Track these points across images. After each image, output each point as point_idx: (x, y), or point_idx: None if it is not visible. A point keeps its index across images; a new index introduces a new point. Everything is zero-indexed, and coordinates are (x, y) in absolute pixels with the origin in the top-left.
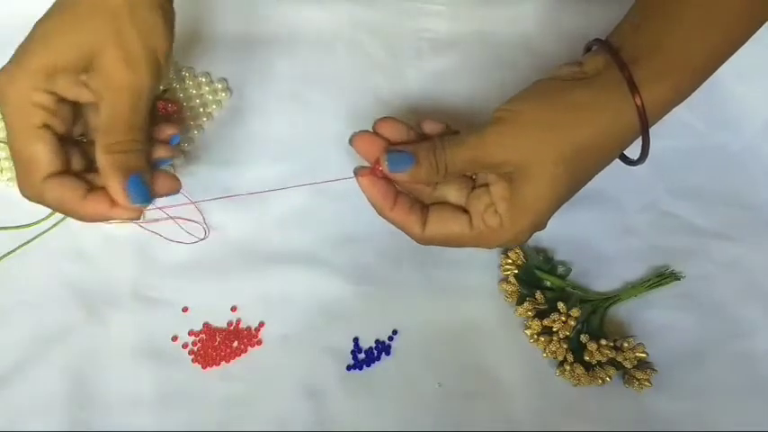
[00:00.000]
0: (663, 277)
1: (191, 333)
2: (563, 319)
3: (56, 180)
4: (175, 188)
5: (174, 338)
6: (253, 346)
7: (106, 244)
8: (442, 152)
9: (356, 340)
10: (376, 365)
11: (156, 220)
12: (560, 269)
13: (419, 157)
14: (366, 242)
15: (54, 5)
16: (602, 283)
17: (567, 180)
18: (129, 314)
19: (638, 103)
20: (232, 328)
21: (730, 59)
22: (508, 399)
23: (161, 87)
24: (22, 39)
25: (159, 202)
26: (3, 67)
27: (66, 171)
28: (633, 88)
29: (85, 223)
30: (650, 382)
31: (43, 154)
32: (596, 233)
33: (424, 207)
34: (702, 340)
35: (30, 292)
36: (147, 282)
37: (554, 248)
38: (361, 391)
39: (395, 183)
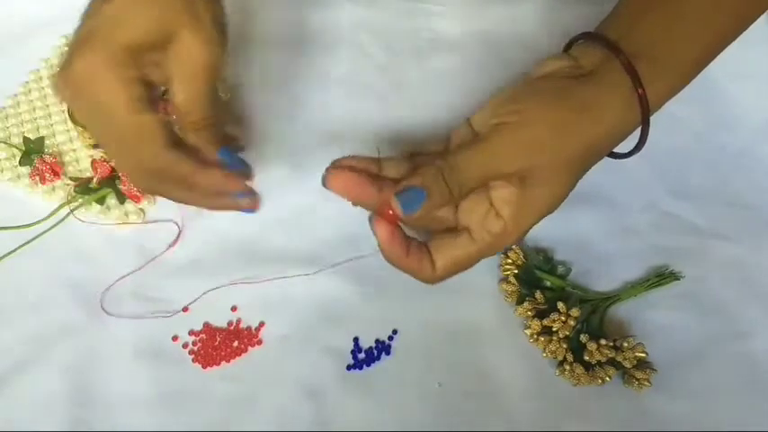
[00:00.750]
0: (663, 277)
1: (191, 333)
2: (563, 318)
3: (176, 150)
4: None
5: (175, 338)
6: (253, 345)
7: (106, 244)
8: (450, 173)
9: (356, 340)
10: (376, 365)
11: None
12: (560, 269)
13: (429, 187)
14: (366, 242)
15: None
16: (602, 283)
17: (574, 178)
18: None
19: (643, 98)
20: (232, 327)
21: (730, 60)
22: (508, 398)
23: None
24: (21, 39)
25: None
26: (77, 53)
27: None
28: (638, 84)
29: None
30: (650, 382)
31: (156, 122)
32: (596, 233)
33: (422, 245)
34: (702, 340)
35: (30, 292)
36: (147, 282)
37: (554, 248)
38: (361, 390)
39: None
